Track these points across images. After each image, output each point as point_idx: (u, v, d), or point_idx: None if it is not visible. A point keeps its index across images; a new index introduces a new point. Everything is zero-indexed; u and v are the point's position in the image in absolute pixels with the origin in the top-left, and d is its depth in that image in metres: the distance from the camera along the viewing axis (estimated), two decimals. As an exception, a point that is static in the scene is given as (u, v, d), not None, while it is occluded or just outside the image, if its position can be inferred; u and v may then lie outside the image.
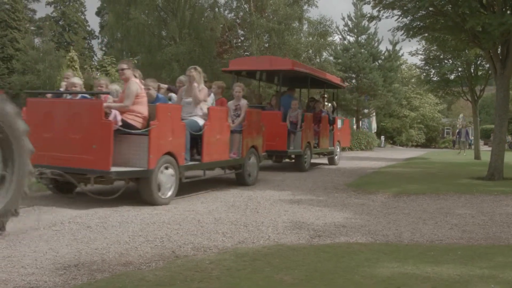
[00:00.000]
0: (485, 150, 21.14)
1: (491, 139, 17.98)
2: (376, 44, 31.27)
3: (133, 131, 6.46)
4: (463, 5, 10.13)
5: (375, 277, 3.59)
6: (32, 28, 48.30)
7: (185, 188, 7.61)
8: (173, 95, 8.49)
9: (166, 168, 6.62)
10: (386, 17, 12.07)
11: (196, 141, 7.55)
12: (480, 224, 5.88)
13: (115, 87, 7.58)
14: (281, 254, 4.23)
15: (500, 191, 8.54)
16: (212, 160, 7.78)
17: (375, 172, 12.85)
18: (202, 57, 24.32)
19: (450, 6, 10.86)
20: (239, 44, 27.16)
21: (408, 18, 11.75)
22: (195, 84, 7.55)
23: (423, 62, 22.33)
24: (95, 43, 55.30)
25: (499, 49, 10.82)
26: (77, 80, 7.99)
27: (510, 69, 10.59)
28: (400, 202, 7.49)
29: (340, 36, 35.06)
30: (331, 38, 27.44)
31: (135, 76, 6.96)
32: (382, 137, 38.01)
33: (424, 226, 5.68)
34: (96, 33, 53.63)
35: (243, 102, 8.97)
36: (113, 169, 6.03)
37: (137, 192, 6.58)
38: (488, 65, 17.08)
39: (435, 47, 18.79)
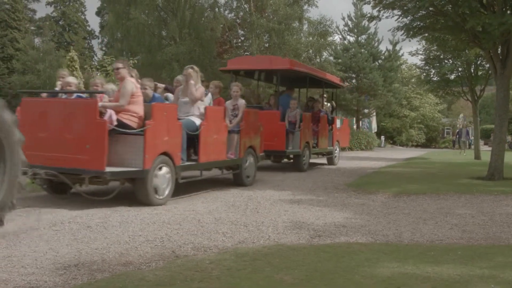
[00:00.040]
0: (485, 150, 21.13)
1: (491, 139, 17.98)
2: (376, 44, 31.31)
3: (128, 131, 6.35)
4: (463, 5, 10.13)
5: (375, 277, 3.59)
6: (32, 28, 48.29)
7: (185, 188, 7.60)
8: (169, 95, 8.43)
9: (162, 168, 6.52)
10: (386, 17, 12.10)
11: (193, 141, 7.45)
12: (480, 224, 5.88)
13: (110, 86, 7.50)
14: (281, 254, 4.23)
15: (500, 191, 8.54)
16: (209, 160, 7.71)
17: (375, 172, 12.84)
18: (202, 57, 24.33)
19: (450, 6, 10.86)
20: (239, 44, 27.19)
21: (408, 18, 11.76)
22: (192, 82, 7.48)
23: (423, 62, 22.37)
24: (95, 43, 55.45)
25: (499, 49, 10.82)
26: (72, 80, 7.91)
27: (510, 69, 10.60)
28: (400, 202, 7.49)
29: (340, 36, 35.10)
30: (331, 38, 27.54)
31: (131, 76, 6.85)
32: (382, 137, 38.02)
33: (424, 226, 5.68)
34: (96, 33, 53.79)
35: (241, 102, 8.83)
36: (108, 169, 5.94)
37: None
38: (488, 65, 17.08)
39: (435, 47, 18.81)
